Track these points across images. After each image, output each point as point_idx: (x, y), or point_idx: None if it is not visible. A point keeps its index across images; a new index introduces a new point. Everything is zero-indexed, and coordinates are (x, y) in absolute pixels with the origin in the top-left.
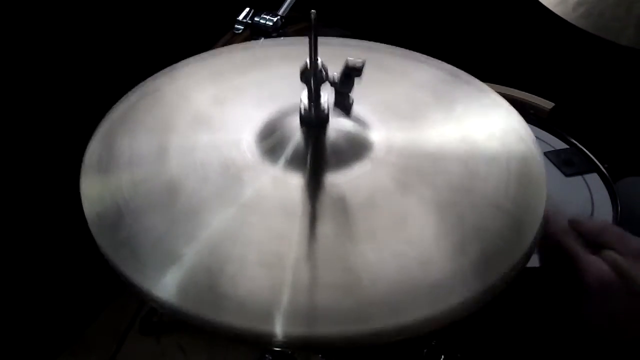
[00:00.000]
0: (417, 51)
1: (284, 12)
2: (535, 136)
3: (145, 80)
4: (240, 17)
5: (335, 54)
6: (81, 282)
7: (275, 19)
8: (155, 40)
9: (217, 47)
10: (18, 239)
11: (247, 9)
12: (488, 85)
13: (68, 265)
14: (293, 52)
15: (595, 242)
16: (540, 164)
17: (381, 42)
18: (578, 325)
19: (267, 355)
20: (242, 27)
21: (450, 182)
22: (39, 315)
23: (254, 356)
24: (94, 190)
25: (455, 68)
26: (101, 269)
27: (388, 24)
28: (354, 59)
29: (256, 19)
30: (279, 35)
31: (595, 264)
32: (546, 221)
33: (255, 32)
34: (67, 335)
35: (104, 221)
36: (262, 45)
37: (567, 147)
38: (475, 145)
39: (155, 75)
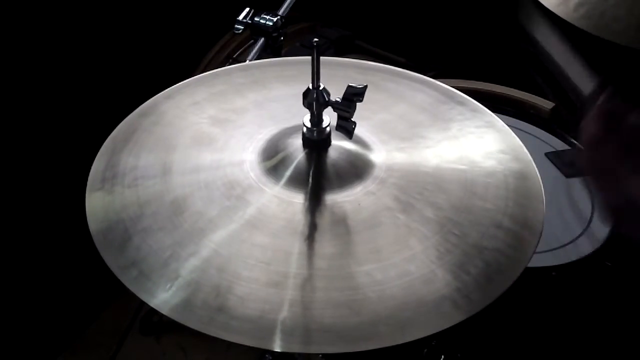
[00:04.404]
0: (418, 51)
1: (284, 12)
2: (535, 136)
3: (146, 102)
4: (240, 17)
5: (334, 75)
6: (81, 282)
7: (275, 19)
8: (155, 40)
9: (216, 48)
10: (19, 240)
11: (247, 9)
12: (488, 85)
13: (68, 265)
14: (291, 73)
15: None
16: (537, 181)
17: (381, 41)
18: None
19: (267, 355)
20: (242, 27)
21: (451, 201)
22: (39, 315)
23: (254, 356)
24: (99, 209)
25: (449, 88)
26: (101, 268)
27: (388, 24)
28: (355, 84)
29: (256, 19)
30: (279, 36)
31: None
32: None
33: (255, 32)
34: (68, 334)
35: (110, 241)
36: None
37: (568, 147)
38: (472, 165)
39: (156, 96)
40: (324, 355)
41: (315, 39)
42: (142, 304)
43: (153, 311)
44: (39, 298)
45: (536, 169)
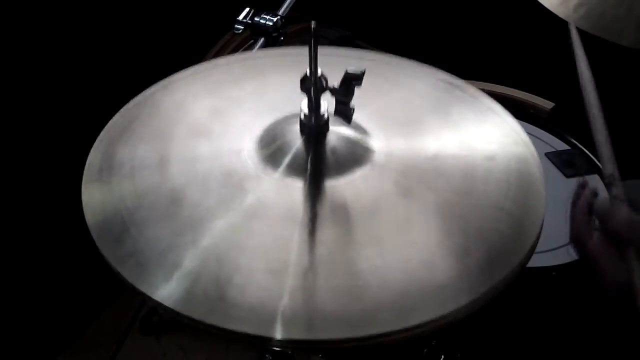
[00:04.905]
0: (418, 51)
1: (284, 12)
2: (535, 136)
3: (142, 92)
4: (240, 17)
5: (331, 63)
6: (81, 282)
7: (275, 19)
8: (155, 40)
9: (216, 48)
10: (19, 240)
11: (247, 9)
12: (488, 85)
13: (68, 265)
14: (288, 62)
15: (618, 238)
16: (537, 164)
17: (381, 41)
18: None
19: (267, 355)
20: (242, 27)
21: (451, 185)
22: (39, 315)
23: (254, 356)
24: (95, 201)
25: (448, 74)
26: (101, 268)
27: (388, 24)
28: (354, 68)
29: (256, 19)
30: (279, 36)
31: (616, 269)
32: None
33: (255, 32)
34: (68, 334)
35: (108, 233)
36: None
37: (568, 147)
38: (472, 149)
39: (152, 86)
40: (324, 354)
41: (313, 21)
42: (143, 304)
43: (153, 311)
44: (39, 298)
45: (536, 152)
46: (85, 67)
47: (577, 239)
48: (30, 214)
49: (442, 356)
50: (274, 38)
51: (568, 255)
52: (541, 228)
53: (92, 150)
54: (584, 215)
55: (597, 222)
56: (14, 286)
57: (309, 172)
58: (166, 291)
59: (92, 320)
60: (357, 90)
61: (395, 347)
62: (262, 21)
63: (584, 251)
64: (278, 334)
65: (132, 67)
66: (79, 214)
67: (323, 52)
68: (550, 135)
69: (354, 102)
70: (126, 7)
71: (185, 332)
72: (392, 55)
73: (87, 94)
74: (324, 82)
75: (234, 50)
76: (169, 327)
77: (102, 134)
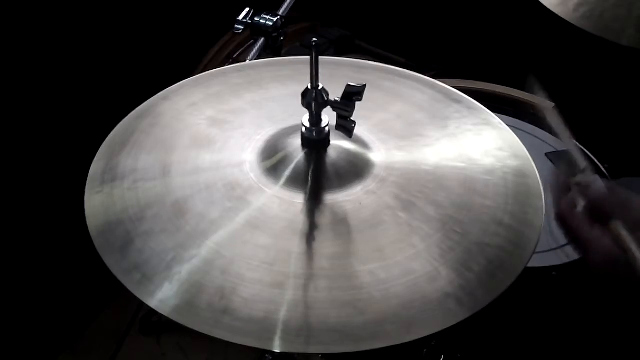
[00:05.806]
0: (418, 51)
1: (284, 12)
2: (535, 136)
3: (143, 104)
4: (240, 17)
5: (331, 74)
6: (81, 282)
7: (275, 19)
8: (155, 40)
9: (216, 48)
10: (19, 240)
11: (247, 9)
12: (488, 85)
13: (68, 265)
14: (286, 73)
15: (600, 211)
16: (535, 178)
17: (381, 41)
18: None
19: (267, 355)
20: (242, 27)
21: (451, 198)
22: (39, 315)
23: (254, 356)
24: (99, 213)
25: (445, 86)
26: (101, 268)
27: (388, 24)
28: (354, 83)
29: (256, 19)
30: (279, 36)
31: (599, 242)
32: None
33: (255, 32)
34: (68, 335)
35: (112, 244)
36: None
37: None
38: (471, 162)
39: (152, 98)
40: (325, 355)
41: (314, 39)
42: (142, 304)
43: (153, 311)
44: (39, 298)
45: (534, 165)
46: (88, 71)
47: (560, 217)
48: (31, 216)
49: (442, 356)
50: (274, 38)
51: (568, 255)
52: (537, 242)
53: (94, 161)
54: (565, 193)
55: (579, 201)
56: (14, 286)
57: (309, 185)
58: (171, 303)
59: (92, 320)
60: (357, 103)
61: (395, 346)
62: (262, 21)
63: (568, 228)
64: (277, 347)
65: (132, 67)
66: (79, 217)
67: (322, 62)
68: (551, 135)
69: (355, 115)
70: (126, 8)
71: (185, 332)
72: (390, 66)
73: (89, 95)
74: (324, 97)
75: (234, 51)
76: (169, 327)
77: (104, 145)
